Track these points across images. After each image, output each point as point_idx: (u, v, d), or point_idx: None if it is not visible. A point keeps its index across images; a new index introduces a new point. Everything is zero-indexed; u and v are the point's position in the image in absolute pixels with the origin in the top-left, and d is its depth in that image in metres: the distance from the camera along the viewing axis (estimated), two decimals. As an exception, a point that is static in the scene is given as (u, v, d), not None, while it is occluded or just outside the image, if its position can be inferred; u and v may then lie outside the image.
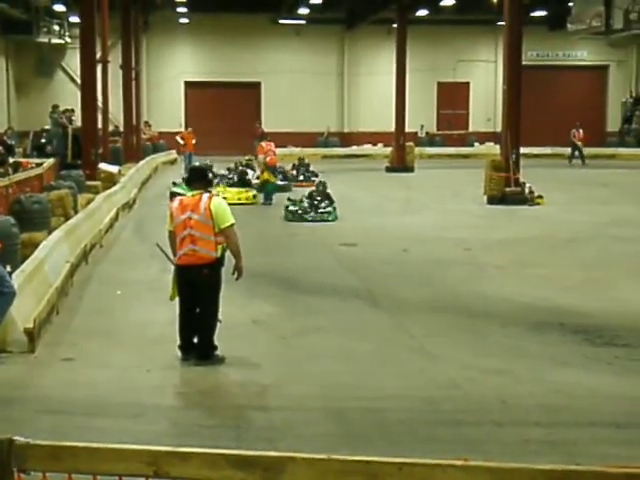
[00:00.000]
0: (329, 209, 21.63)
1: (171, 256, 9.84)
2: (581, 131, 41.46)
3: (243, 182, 26.71)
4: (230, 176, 28.22)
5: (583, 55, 50.12)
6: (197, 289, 9.37)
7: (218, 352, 9.41)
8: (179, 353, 9.47)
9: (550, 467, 2.90)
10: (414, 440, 7.05)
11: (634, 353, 9.78)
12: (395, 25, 38.86)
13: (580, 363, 9.44)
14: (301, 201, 22.12)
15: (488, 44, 48.84)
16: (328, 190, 22.63)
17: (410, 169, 36.96)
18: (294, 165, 31.62)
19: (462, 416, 7.70)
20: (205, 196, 9.34)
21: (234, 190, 25.23)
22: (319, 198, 22.21)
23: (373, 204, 22.91)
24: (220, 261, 9.37)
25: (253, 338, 10.25)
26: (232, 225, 9.31)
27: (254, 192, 25.03)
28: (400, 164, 37.22)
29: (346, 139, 48.46)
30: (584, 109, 48.56)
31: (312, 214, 21.36)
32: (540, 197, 24.66)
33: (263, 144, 26.07)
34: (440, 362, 9.45)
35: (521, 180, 25.09)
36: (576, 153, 41.41)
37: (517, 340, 10.44)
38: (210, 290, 9.37)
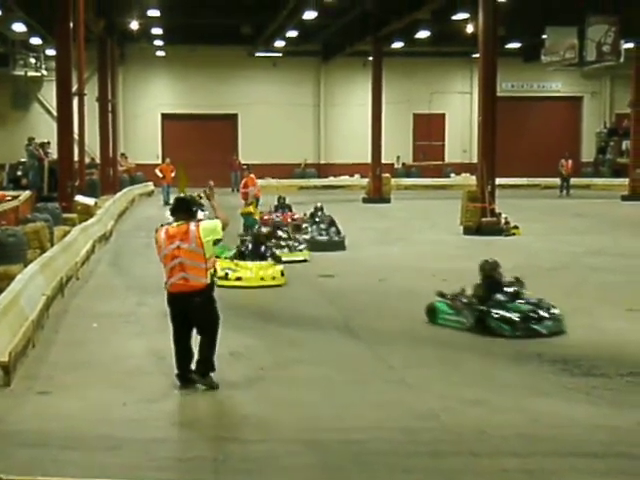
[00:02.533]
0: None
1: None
2: (570, 162, 41.79)
3: (259, 253, 17.52)
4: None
5: (557, 86, 50.54)
6: (191, 316, 9.52)
7: (214, 375, 9.54)
8: (177, 381, 9.56)
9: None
10: (392, 471, 7.03)
11: (611, 383, 9.79)
12: (370, 57, 39.10)
13: (558, 393, 9.44)
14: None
15: (463, 76, 49.19)
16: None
17: (387, 200, 37.09)
18: (276, 206, 27.47)
19: (440, 446, 7.69)
20: (192, 225, 9.47)
21: (252, 265, 16.79)
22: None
23: (350, 235, 22.87)
24: (210, 286, 9.54)
25: (231, 370, 10.20)
26: (223, 224, 9.55)
27: (281, 267, 16.91)
28: (377, 195, 37.35)
29: (323, 170, 48.58)
30: (559, 140, 48.88)
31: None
32: (516, 227, 24.78)
33: (252, 176, 26.34)
34: (419, 392, 9.44)
35: (497, 210, 25.21)
36: (564, 184, 41.69)
37: (495, 370, 10.45)
38: (205, 314, 9.53)
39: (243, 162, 38.42)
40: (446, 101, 49.68)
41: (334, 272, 17.75)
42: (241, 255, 17.26)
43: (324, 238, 21.69)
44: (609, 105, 51.00)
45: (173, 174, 36.60)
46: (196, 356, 9.63)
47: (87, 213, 24.65)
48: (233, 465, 7.23)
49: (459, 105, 49.73)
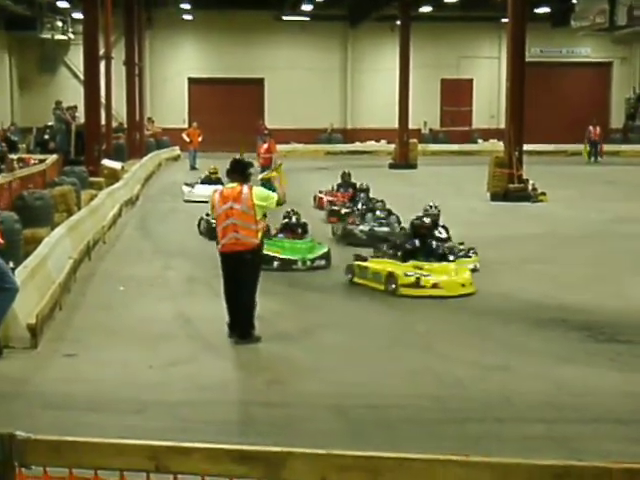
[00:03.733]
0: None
1: None
2: (598, 128, 41.53)
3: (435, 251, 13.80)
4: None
5: (587, 52, 50.02)
6: (239, 271, 9.97)
7: (256, 331, 9.98)
8: (227, 330, 10.03)
9: (550, 462, 2.89)
10: (417, 437, 7.04)
11: (636, 350, 9.77)
12: (398, 22, 38.82)
13: (583, 360, 9.43)
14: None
15: (491, 41, 48.76)
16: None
17: (413, 166, 36.94)
18: (339, 184, 23.04)
19: (465, 413, 7.69)
20: (245, 187, 9.97)
21: (440, 267, 13.07)
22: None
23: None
24: (260, 246, 10.16)
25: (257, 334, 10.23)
26: (275, 199, 10.26)
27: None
28: (403, 161, 37.19)
29: (349, 135, 48.42)
30: (588, 106, 48.44)
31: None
32: (543, 194, 24.62)
33: (272, 141, 26.53)
34: (444, 360, 9.44)
35: (524, 177, 25.06)
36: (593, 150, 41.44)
37: (520, 337, 10.43)
38: (251, 273, 10.01)
39: (269, 127, 38.29)
40: (474, 66, 49.32)
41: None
42: (409, 253, 13.29)
43: (385, 229, 17.08)
44: (639, 71, 50.44)
45: (200, 139, 36.58)
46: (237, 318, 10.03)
47: (114, 177, 24.73)
48: (258, 428, 7.27)
49: (487, 70, 49.35)
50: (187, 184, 25.47)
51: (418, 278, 12.40)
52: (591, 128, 41.41)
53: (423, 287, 12.36)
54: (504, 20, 29.27)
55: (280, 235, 15.33)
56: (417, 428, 7.27)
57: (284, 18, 46.19)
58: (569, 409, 7.81)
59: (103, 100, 28.56)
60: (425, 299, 12.16)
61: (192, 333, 10.36)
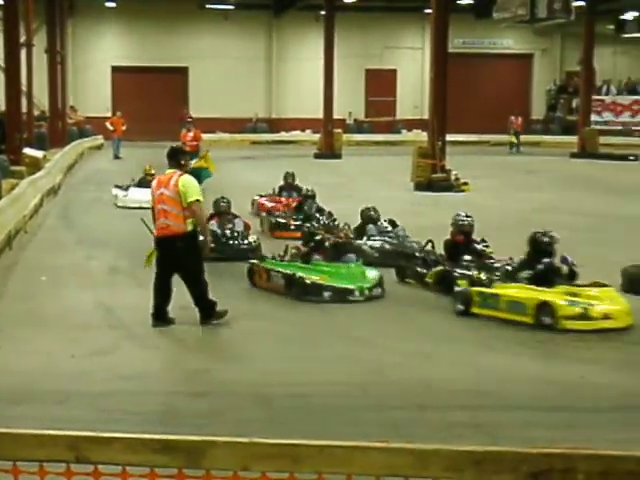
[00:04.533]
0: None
1: (152, 228, 10.64)
2: (519, 119, 42.21)
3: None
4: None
5: (509, 43, 50.62)
6: (174, 259, 10.16)
7: (218, 307, 10.19)
8: (150, 319, 10.05)
9: (470, 448, 2.94)
10: (340, 425, 7.08)
11: (557, 338, 9.94)
12: (323, 12, 38.87)
13: (505, 347, 9.58)
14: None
15: (415, 31, 49.07)
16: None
17: (338, 156, 37.05)
18: (282, 187, 20.19)
19: (388, 400, 7.76)
20: (177, 174, 10.17)
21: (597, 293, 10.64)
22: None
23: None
24: (193, 233, 10.17)
25: (180, 323, 10.21)
26: (198, 201, 10.12)
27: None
28: (328, 151, 37.29)
29: (275, 125, 48.37)
30: (510, 96, 49.06)
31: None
32: (466, 184, 24.90)
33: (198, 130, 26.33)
34: (367, 347, 9.52)
35: (447, 167, 25.31)
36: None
37: (443, 325, 10.56)
38: (186, 259, 10.14)
39: (194, 116, 38.07)
40: (398, 57, 49.60)
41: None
42: (540, 276, 10.81)
43: (395, 243, 14.25)
44: (559, 63, 51.22)
45: (124, 128, 36.21)
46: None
47: (35, 166, 24.37)
48: (181, 418, 7.26)
49: (411, 61, 49.67)
50: (118, 186, 21.69)
51: (585, 308, 10.13)
52: (513, 119, 42.06)
53: (592, 319, 10.11)
54: (428, 11, 29.48)
55: (316, 257, 12.54)
56: (339, 415, 7.32)
57: (208, 7, 45.92)
58: (491, 396, 7.93)
59: (24, 88, 28.12)
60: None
61: (115, 323, 10.29)
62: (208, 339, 9.84)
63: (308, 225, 15.54)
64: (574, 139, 39.51)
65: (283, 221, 17.00)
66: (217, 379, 8.32)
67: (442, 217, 18.52)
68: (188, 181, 10.16)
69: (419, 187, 24.88)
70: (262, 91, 48.84)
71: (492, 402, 7.78)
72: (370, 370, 8.63)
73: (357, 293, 11.53)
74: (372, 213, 14.94)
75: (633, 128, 45.30)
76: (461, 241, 12.48)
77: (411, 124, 47.49)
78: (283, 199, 19.35)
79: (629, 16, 42.91)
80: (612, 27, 43.82)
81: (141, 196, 19.35)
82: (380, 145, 44.75)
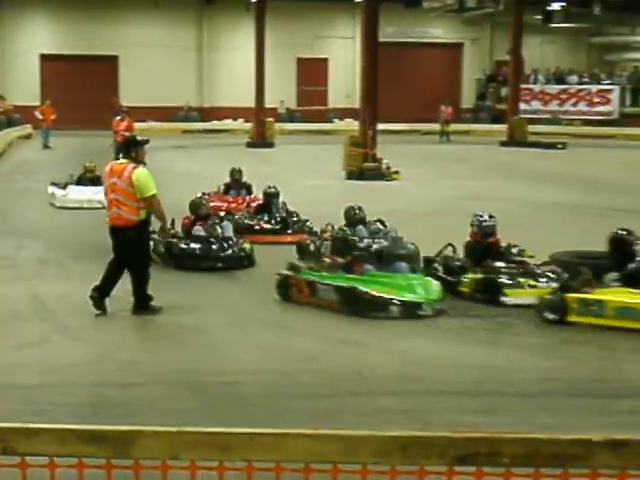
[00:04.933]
0: None
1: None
2: (449, 108, 42.53)
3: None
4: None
5: (439, 33, 50.90)
6: (125, 251, 10.23)
7: (154, 302, 10.25)
8: (90, 302, 10.08)
9: (398, 434, 2.98)
10: (271, 413, 7.12)
11: (484, 324, 10.08)
12: (254, 0, 38.75)
13: (433, 334, 9.69)
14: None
15: (346, 20, 49.10)
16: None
17: (270, 145, 37.02)
18: (228, 185, 18.64)
19: (318, 388, 7.82)
20: (131, 165, 10.12)
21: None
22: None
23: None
24: (144, 222, 10.21)
25: (112, 314, 10.16)
26: (154, 195, 10.10)
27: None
28: (260, 139, 37.24)
29: (206, 114, 48.10)
30: (440, 86, 49.35)
31: None
32: (396, 172, 25.07)
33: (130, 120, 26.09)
34: (297, 335, 9.57)
35: (378, 156, 25.45)
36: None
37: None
38: (135, 249, 10.22)
39: (124, 105, 37.71)
40: (329, 46, 49.61)
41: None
42: (627, 279, 10.05)
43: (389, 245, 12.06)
44: (489, 52, 51.67)
45: (53, 117, 35.73)
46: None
47: (-38, 156, 24.01)
48: (112, 410, 7.23)
49: (342, 50, 49.69)
50: (55, 184, 19.87)
51: None
52: (443, 108, 42.38)
53: None
54: (358, 0, 29.53)
55: (367, 266, 11.06)
56: (269, 403, 7.36)
57: (138, -6, 45.52)
58: (420, 382, 8.03)
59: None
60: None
61: (44, 315, 10.20)
62: (140, 330, 9.80)
63: (314, 228, 14.16)
64: (503, 128, 39.92)
65: (251, 223, 15.37)
66: (149, 370, 8.30)
67: (373, 205, 18.68)
68: (142, 175, 10.07)
69: (351, 176, 25.00)
70: (193, 80, 48.53)
71: (421, 388, 7.88)
72: (300, 358, 8.68)
73: (426, 307, 10.40)
74: (358, 212, 13.57)
75: (561, 117, 45.89)
76: (494, 243, 11.67)
77: (343, 113, 47.55)
78: (230, 197, 17.93)
79: (556, 6, 43.39)
80: (540, 17, 44.27)
81: (82, 195, 18.66)
82: (312, 134, 44.75)
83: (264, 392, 7.69)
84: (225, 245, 13.13)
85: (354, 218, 13.43)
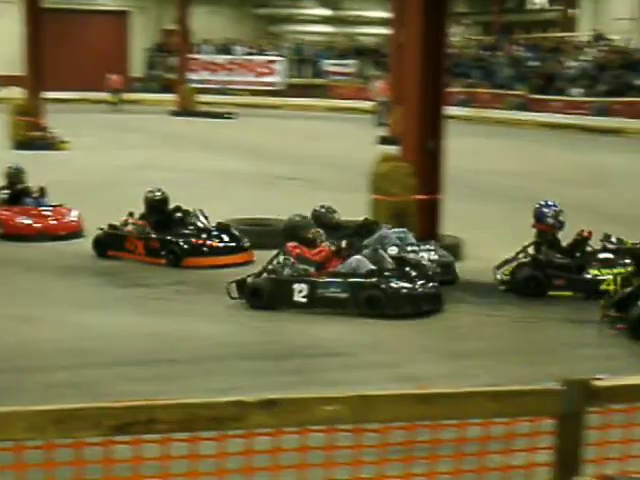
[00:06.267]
0: None
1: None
2: (118, 76, 42.20)
3: None
4: None
5: (105, 0, 50.20)
6: None
7: None
8: None
9: (50, 407, 2.90)
10: None
11: (158, 293, 10.12)
12: None
13: (106, 305, 9.61)
14: None
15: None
16: None
17: None
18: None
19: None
20: None
21: None
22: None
23: None
24: None
25: None
26: None
27: None
28: None
29: None
30: (109, 54, 48.68)
31: None
32: (64, 142, 24.54)
33: None
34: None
35: (45, 124, 24.78)
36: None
37: (43, 285, 10.40)
38: None
39: None
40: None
41: None
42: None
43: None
44: (156, 21, 51.51)
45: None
46: None
47: None
48: None
49: (5, 15, 47.67)
50: None
51: None
52: (110, 77, 41.95)
53: None
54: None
55: None
56: None
57: None
58: (91, 354, 7.94)
59: None
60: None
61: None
62: None
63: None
64: (173, 97, 39.96)
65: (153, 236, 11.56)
66: None
67: (43, 177, 18.16)
68: None
69: (19, 146, 24.18)
70: None
71: (94, 360, 7.80)
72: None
73: None
74: (324, 212, 11.16)
75: (229, 87, 46.62)
76: (588, 236, 10.10)
77: (7, 80, 45.70)
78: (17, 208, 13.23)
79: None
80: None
81: None
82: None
83: None
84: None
85: (317, 219, 10.70)
